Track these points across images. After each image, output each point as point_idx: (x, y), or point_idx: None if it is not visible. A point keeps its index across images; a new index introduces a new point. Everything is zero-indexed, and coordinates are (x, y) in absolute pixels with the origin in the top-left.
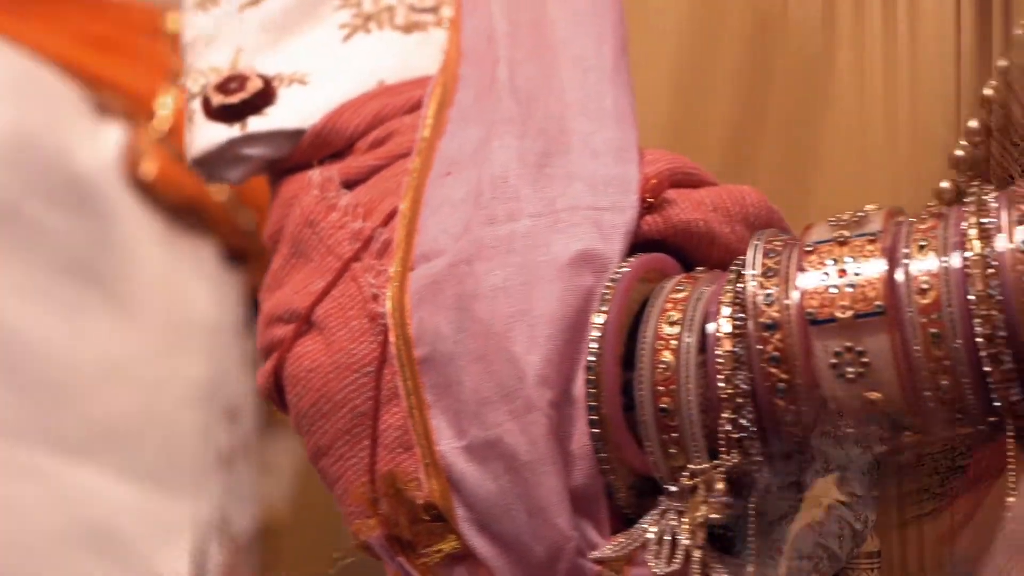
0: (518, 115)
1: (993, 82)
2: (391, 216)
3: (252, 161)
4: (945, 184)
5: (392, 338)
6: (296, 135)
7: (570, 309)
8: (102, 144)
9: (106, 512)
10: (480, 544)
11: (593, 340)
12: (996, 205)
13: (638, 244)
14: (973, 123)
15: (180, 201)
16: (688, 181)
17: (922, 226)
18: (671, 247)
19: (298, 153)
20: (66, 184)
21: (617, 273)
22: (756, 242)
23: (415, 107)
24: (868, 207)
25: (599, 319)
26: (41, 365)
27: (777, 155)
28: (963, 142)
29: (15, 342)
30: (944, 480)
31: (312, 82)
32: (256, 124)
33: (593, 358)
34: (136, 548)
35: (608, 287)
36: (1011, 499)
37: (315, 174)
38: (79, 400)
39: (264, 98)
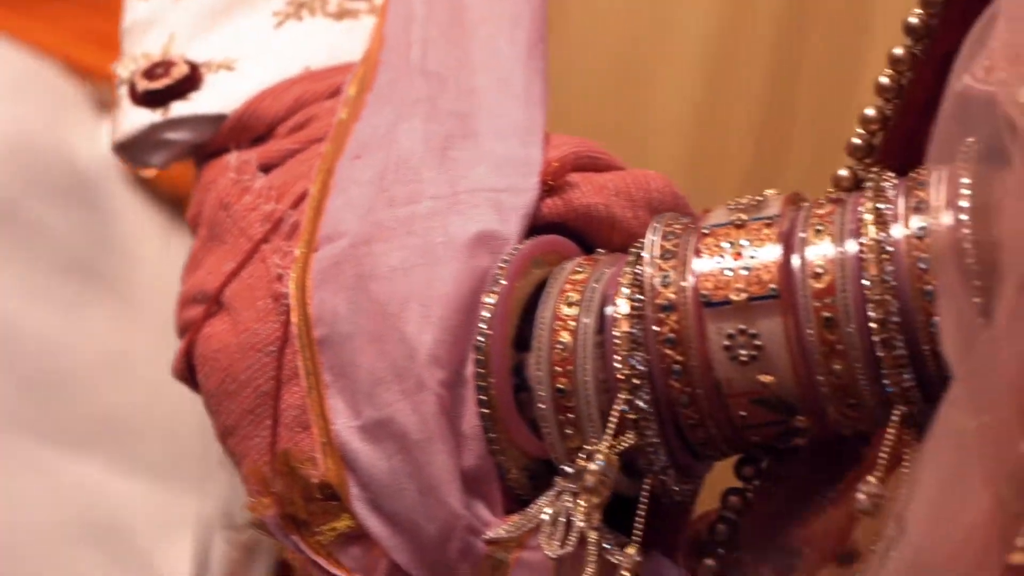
0: (427, 97)
1: (888, 70)
2: (301, 198)
3: (174, 146)
4: (843, 172)
5: (293, 318)
6: (219, 120)
7: (465, 290)
8: (102, 141)
9: (108, 507)
10: (373, 523)
11: (483, 321)
12: (893, 192)
13: (539, 227)
14: (869, 111)
15: (181, 197)
16: (593, 165)
17: (820, 211)
18: (572, 231)
19: (220, 138)
20: (67, 181)
21: (511, 254)
22: (656, 225)
23: (337, 92)
24: (768, 191)
25: (490, 300)
26: (43, 361)
27: (807, 148)
28: (859, 130)
29: (16, 338)
30: (842, 469)
31: (239, 68)
32: (179, 109)
33: (482, 339)
34: (137, 543)
35: (501, 268)
36: (871, 477)
37: (232, 157)
38: (81, 395)
39: (189, 84)
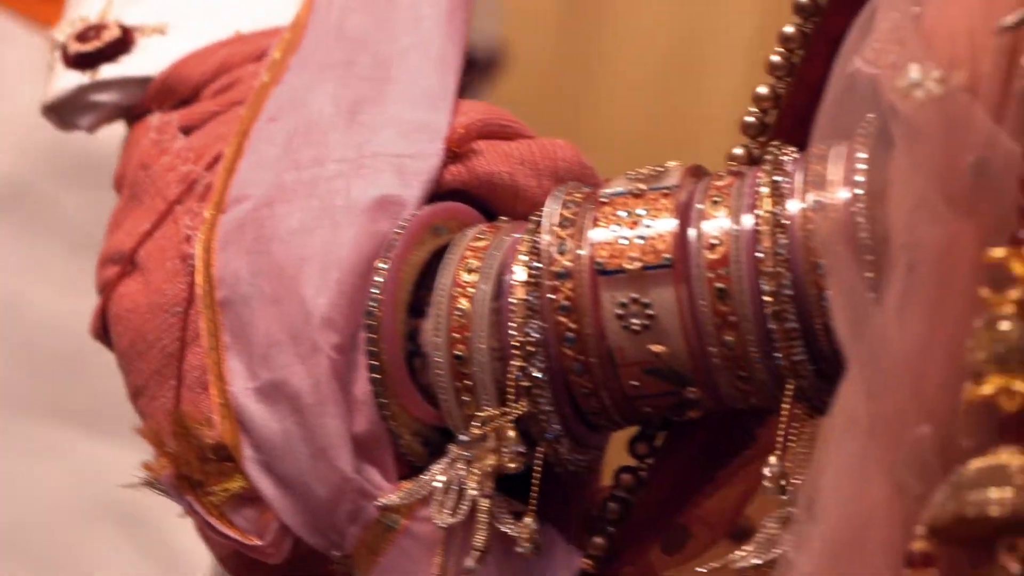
0: (342, 61)
1: (779, 48)
2: (216, 160)
3: (102, 108)
4: (737, 150)
5: (198, 279)
6: (147, 83)
7: (362, 254)
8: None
9: (124, 487)
10: (265, 485)
11: (375, 286)
12: (792, 167)
13: (443, 194)
14: (762, 89)
15: None
16: (502, 133)
17: (719, 183)
18: (476, 198)
19: (147, 100)
20: (78, 161)
21: (407, 219)
22: (557, 193)
23: (263, 55)
24: (670, 163)
25: (383, 265)
26: (55, 341)
27: None
28: (752, 108)
29: (28, 318)
30: (735, 449)
31: (171, 32)
32: (107, 71)
33: (374, 304)
34: (152, 522)
35: (397, 233)
36: (773, 457)
37: (154, 118)
38: (94, 375)
39: (121, 47)
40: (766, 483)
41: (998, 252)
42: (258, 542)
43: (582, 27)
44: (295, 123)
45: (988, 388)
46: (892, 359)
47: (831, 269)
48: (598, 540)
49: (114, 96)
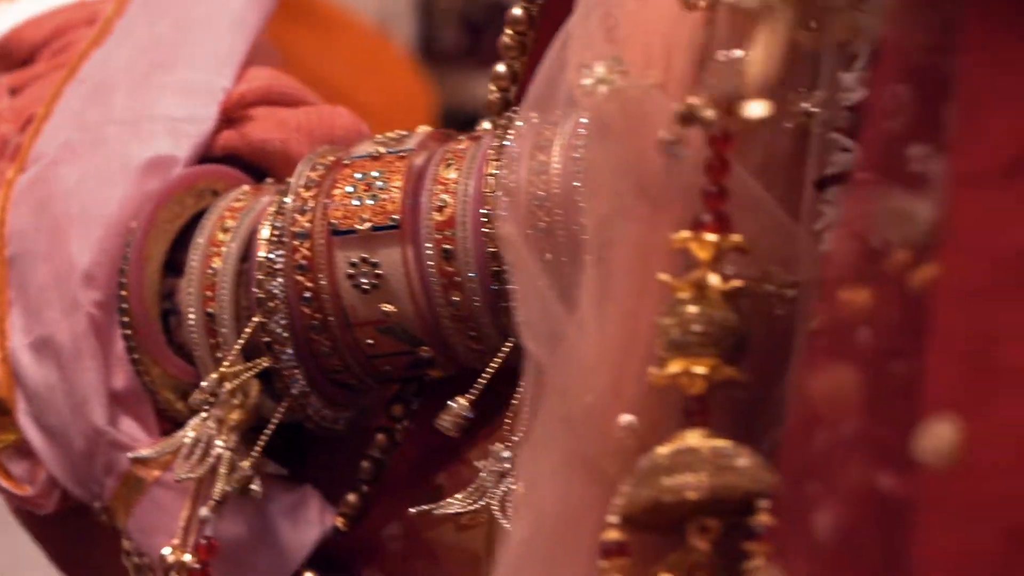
0: (143, 25)
1: (508, 30)
2: (30, 121)
3: None
4: (486, 126)
5: None
6: None
7: (128, 213)
8: None
9: None
10: (34, 436)
11: (128, 244)
12: (523, 132)
13: (217, 158)
14: (500, 67)
15: None
16: (284, 100)
17: (458, 147)
18: (254, 164)
19: None
20: None
21: (167, 180)
22: (309, 156)
23: (95, 19)
24: (421, 128)
25: (134, 224)
26: None
27: None
28: (491, 87)
29: None
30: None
31: (21, 0)
32: None
33: (125, 262)
34: None
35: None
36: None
37: None
38: None
39: None
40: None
41: (680, 236)
42: (29, 491)
43: None
44: (94, 85)
45: (670, 372)
46: (587, 356)
47: (512, 262)
48: (351, 498)
49: None
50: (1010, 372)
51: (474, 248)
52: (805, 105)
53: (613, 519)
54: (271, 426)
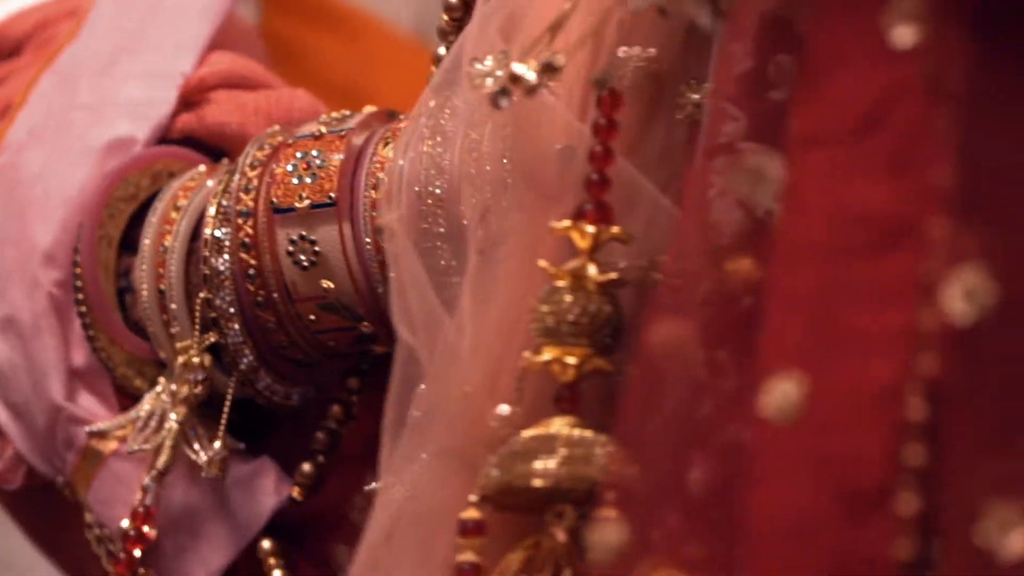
0: (113, 15)
1: (444, 15)
2: (7, 110)
3: None
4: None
5: None
6: None
7: (89, 194)
8: None
9: None
10: (0, 412)
11: (81, 224)
12: (422, 116)
13: (175, 141)
14: (441, 50)
15: None
16: (244, 84)
17: (398, 126)
18: (212, 147)
19: None
20: None
21: (122, 162)
22: (259, 136)
23: (75, 13)
24: (368, 108)
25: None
26: None
27: None
28: (434, 68)
29: None
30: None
31: None
32: None
33: (79, 240)
34: None
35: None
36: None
37: None
38: None
39: None
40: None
41: (560, 225)
42: None
43: None
44: (64, 74)
45: (542, 359)
46: (466, 345)
47: (393, 251)
48: (306, 468)
49: None
50: (849, 332)
51: (410, 225)
52: (695, 96)
53: (473, 497)
54: (227, 402)
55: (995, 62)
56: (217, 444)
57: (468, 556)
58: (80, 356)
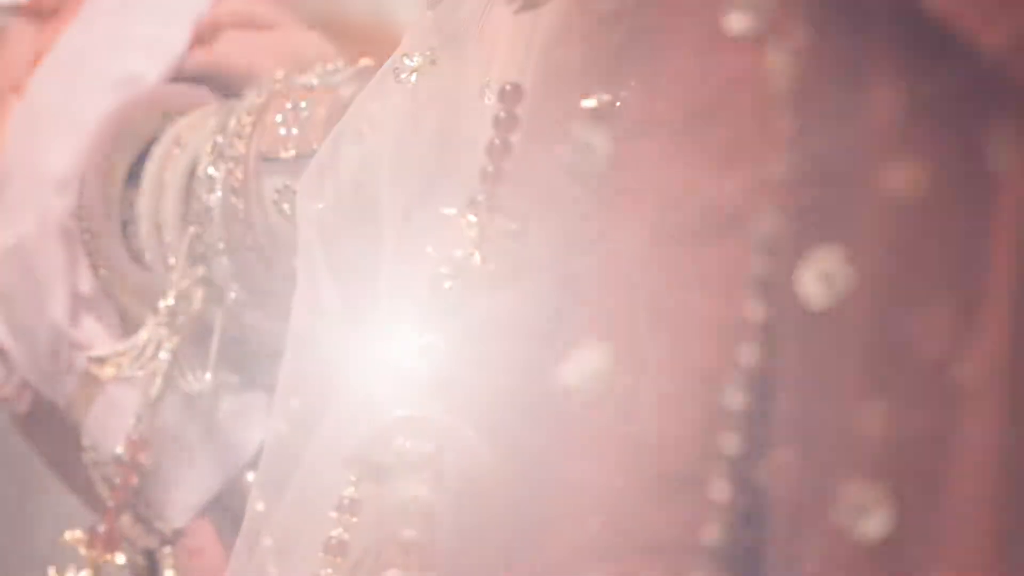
0: None
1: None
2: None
3: None
4: None
5: None
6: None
7: (100, 126)
8: None
9: None
10: (4, 335)
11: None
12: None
13: (189, 79)
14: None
15: None
16: (256, 24)
17: None
18: (223, 85)
19: None
20: None
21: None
22: (262, 81)
23: None
24: (363, 61)
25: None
26: None
27: None
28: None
29: None
30: None
31: None
32: None
33: (86, 170)
34: None
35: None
36: None
37: None
38: None
39: None
40: None
41: (450, 211)
42: (4, 390)
43: None
44: (85, 16)
45: None
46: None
47: (303, 239)
48: (293, 403)
49: None
50: (669, 315)
51: None
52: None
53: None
54: (215, 334)
55: (828, 53)
56: (208, 375)
57: None
58: (86, 283)
